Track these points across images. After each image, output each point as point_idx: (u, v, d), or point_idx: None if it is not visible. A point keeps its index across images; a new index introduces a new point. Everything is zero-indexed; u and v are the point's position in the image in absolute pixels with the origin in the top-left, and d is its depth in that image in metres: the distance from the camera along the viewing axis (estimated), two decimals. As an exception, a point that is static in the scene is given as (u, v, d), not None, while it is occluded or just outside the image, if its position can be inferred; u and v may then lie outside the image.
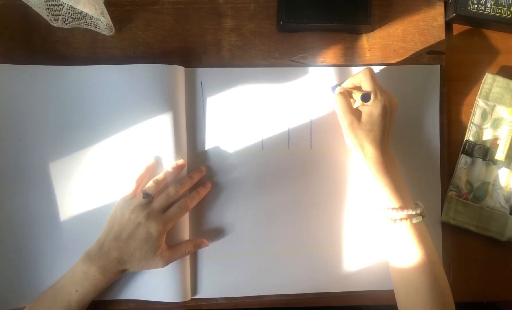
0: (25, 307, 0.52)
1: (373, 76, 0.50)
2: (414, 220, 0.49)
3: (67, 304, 0.50)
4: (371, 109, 0.50)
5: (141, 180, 0.53)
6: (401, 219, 0.49)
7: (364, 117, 0.50)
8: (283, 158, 0.57)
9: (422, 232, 0.49)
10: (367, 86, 0.50)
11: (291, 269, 0.58)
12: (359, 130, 0.50)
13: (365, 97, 0.49)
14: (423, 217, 0.50)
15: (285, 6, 0.55)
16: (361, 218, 0.58)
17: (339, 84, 0.55)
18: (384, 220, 0.50)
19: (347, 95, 0.52)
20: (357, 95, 0.51)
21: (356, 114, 0.51)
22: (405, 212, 0.49)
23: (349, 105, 0.51)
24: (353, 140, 0.51)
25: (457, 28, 0.61)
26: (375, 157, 0.50)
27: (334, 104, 0.53)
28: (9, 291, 0.54)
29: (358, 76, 0.52)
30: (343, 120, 0.51)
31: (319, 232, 0.58)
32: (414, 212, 0.49)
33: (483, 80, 0.60)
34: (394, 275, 0.51)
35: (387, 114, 0.50)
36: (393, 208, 0.49)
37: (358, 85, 0.53)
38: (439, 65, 0.59)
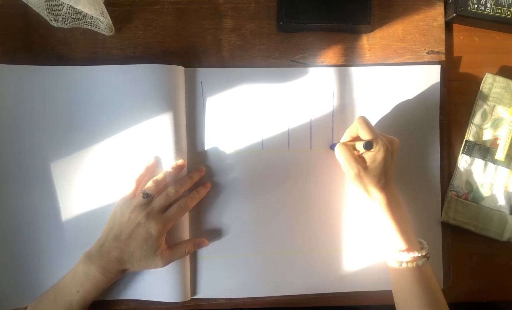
0: (26, 307, 0.52)
1: (367, 123, 0.51)
2: (420, 263, 0.50)
3: (68, 304, 0.50)
4: (374, 155, 0.50)
5: (140, 180, 0.53)
6: (407, 262, 0.50)
7: (368, 163, 0.50)
8: (283, 158, 0.57)
9: (427, 273, 0.50)
10: (365, 134, 0.50)
11: (291, 269, 0.58)
12: (365, 178, 0.50)
13: (368, 145, 0.49)
14: (427, 258, 0.51)
15: (285, 6, 0.55)
16: (361, 218, 0.58)
17: (338, 142, 0.55)
18: (390, 260, 0.51)
19: (348, 145, 0.52)
20: (359, 145, 0.51)
21: (361, 162, 0.51)
22: (411, 255, 0.50)
23: (353, 154, 0.51)
24: (360, 187, 0.51)
25: (457, 28, 0.61)
26: (381, 200, 0.51)
27: (337, 156, 0.53)
28: (11, 291, 0.54)
29: (353, 127, 0.52)
30: (349, 170, 0.51)
31: (319, 232, 0.58)
32: (419, 254, 0.50)
33: (483, 80, 0.60)
34: (397, 305, 0.52)
35: (389, 156, 0.51)
36: (399, 250, 0.50)
37: (355, 135, 0.53)
38: (439, 65, 0.59)
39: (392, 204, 0.51)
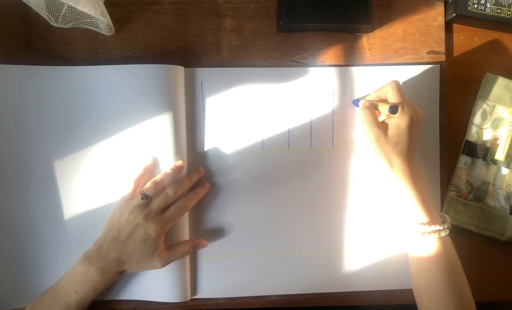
0: (25, 307, 0.52)
1: (400, 88, 0.51)
2: (443, 234, 0.50)
3: (66, 305, 0.50)
4: (398, 122, 0.50)
5: (139, 181, 0.53)
6: (429, 233, 0.49)
7: (391, 129, 0.50)
8: (283, 158, 0.57)
9: (447, 244, 0.50)
10: (394, 98, 0.50)
11: (291, 269, 0.58)
12: (385, 144, 0.50)
13: (393, 109, 0.49)
14: (449, 230, 0.51)
15: (285, 6, 0.55)
16: (361, 218, 0.58)
17: (363, 97, 0.55)
18: (411, 233, 0.51)
19: (372, 108, 0.52)
20: (383, 107, 0.51)
21: (382, 127, 0.51)
22: (433, 227, 0.49)
23: (375, 119, 0.51)
24: (380, 154, 0.51)
25: (457, 28, 0.61)
26: (403, 170, 0.50)
27: (359, 118, 0.53)
28: (10, 291, 0.54)
29: (385, 89, 0.52)
30: (370, 133, 0.51)
31: (319, 232, 0.58)
32: (441, 228, 0.50)
33: (483, 80, 0.60)
34: (416, 279, 0.52)
35: (413, 126, 0.50)
36: (421, 223, 0.50)
37: (384, 98, 0.53)
38: (439, 65, 0.59)
39: (415, 176, 0.51)
